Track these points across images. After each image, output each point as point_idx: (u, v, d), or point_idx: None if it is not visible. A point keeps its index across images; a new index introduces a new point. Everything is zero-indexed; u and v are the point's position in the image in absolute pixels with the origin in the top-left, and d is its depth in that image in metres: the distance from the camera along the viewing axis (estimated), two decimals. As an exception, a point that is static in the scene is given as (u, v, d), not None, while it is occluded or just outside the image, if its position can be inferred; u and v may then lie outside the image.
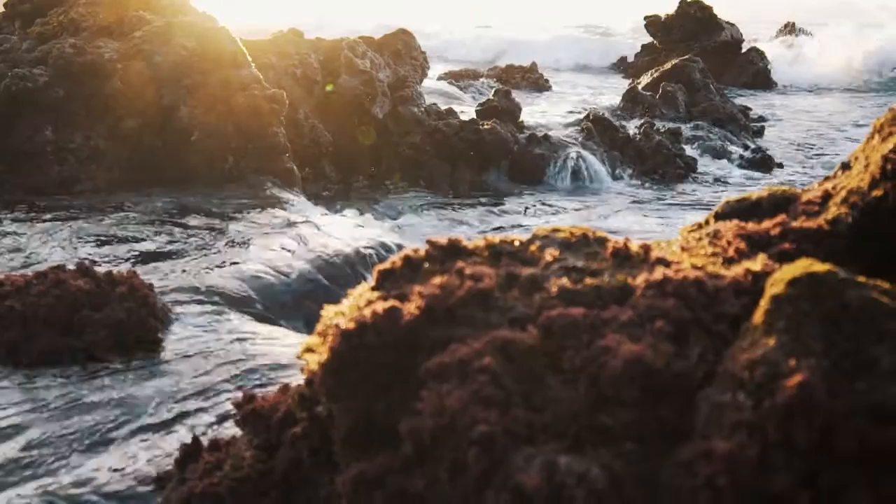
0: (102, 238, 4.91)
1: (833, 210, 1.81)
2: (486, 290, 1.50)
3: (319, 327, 1.62)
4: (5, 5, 8.72)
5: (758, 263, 1.58)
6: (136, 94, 6.80)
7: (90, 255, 4.60)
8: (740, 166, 12.20)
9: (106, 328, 3.01)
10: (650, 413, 1.32)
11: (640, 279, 1.53)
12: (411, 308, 1.49)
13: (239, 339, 3.26)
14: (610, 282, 1.54)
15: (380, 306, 1.52)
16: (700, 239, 1.84)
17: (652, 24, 24.06)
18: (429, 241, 1.68)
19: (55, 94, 6.55)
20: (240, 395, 2.05)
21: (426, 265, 1.64)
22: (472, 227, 8.71)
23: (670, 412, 1.33)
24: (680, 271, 1.54)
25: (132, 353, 3.03)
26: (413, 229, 8.18)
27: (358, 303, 1.62)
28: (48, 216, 5.44)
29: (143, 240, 4.90)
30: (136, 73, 6.84)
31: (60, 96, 6.56)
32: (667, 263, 1.60)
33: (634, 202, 10.16)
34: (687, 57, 15.67)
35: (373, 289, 1.67)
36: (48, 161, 6.29)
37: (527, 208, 9.63)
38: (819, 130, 15.61)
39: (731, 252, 1.72)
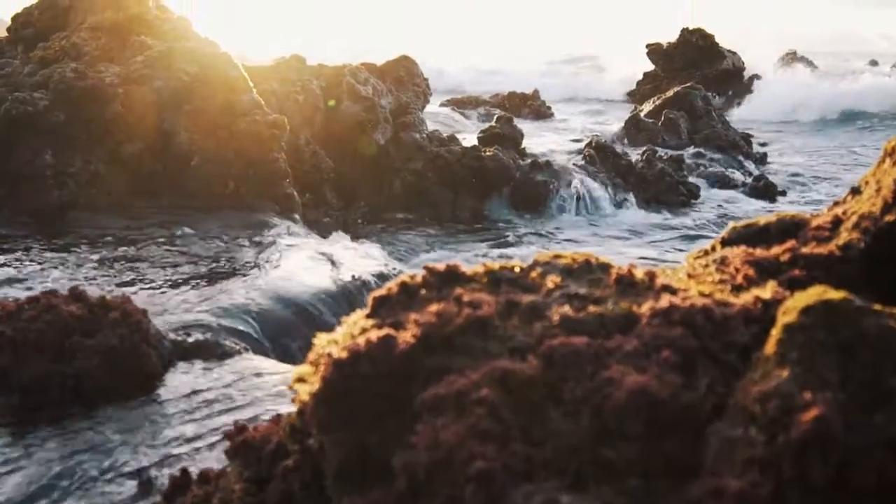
0: (99, 263, 4.86)
1: (844, 235, 1.75)
2: (484, 318, 1.44)
3: (311, 356, 1.56)
4: (8, 30, 8.74)
5: (768, 291, 1.52)
6: (136, 118, 6.79)
7: (87, 279, 4.55)
8: (744, 193, 12.18)
9: (98, 354, 2.95)
10: (656, 447, 1.26)
11: (645, 307, 1.47)
12: (407, 336, 1.43)
13: (233, 370, 3.20)
14: (614, 310, 1.48)
15: (374, 334, 1.46)
16: (707, 266, 1.78)
17: (654, 51, 24.17)
18: (426, 268, 1.63)
19: (55, 118, 6.53)
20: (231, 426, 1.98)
21: (423, 292, 1.58)
22: (472, 253, 8.66)
23: (677, 447, 1.27)
24: (687, 299, 1.48)
25: (124, 382, 2.96)
26: (413, 256, 8.13)
27: (352, 331, 1.56)
28: (46, 240, 5.39)
29: (141, 265, 4.84)
30: (137, 97, 6.83)
31: (61, 120, 6.54)
32: (673, 291, 1.54)
33: (637, 229, 10.11)
34: (689, 84, 15.69)
35: (367, 316, 1.60)
36: (47, 185, 6.26)
37: (528, 235, 9.58)
38: (820, 157, 15.61)
39: (739, 279, 1.66)
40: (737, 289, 1.63)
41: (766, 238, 1.91)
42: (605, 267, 1.70)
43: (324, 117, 9.86)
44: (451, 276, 1.60)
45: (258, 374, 3.20)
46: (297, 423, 1.70)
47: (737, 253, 1.79)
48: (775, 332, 1.29)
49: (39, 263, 4.84)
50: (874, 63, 29.62)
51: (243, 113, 7.05)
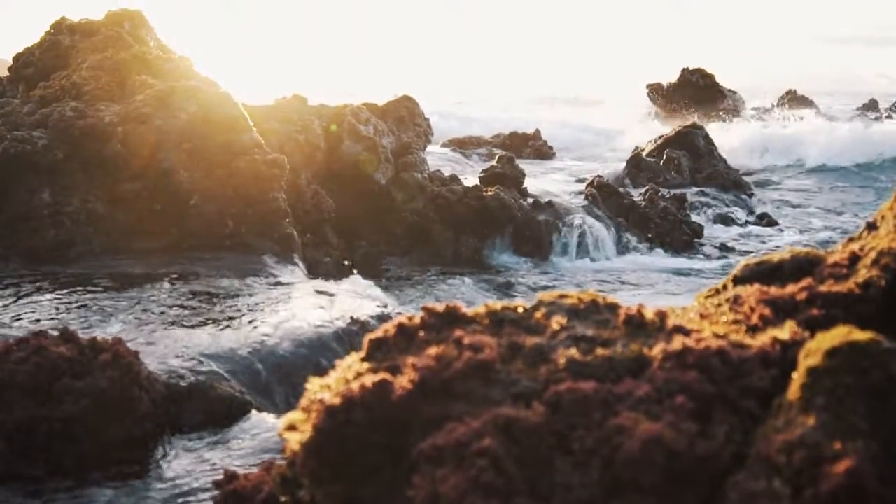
0: (94, 304, 4.77)
1: (863, 273, 1.67)
2: (486, 361, 1.36)
3: (303, 402, 1.47)
4: (10, 69, 8.74)
5: (786, 331, 1.43)
6: (135, 157, 6.74)
7: (81, 320, 4.46)
8: (747, 232, 12.12)
9: (87, 397, 2.86)
10: (672, 501, 1.17)
11: (656, 349, 1.39)
12: (404, 382, 1.35)
13: (227, 415, 3.10)
14: (623, 352, 1.40)
15: (369, 379, 1.38)
16: (719, 305, 1.70)
17: (655, 90, 24.27)
18: (424, 308, 1.55)
19: (54, 156, 6.49)
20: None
21: (421, 334, 1.50)
22: (473, 293, 8.57)
23: (695, 500, 1.18)
24: (701, 340, 1.40)
25: (114, 426, 2.87)
26: (412, 296, 8.04)
27: (346, 375, 1.47)
28: (41, 280, 5.32)
29: (136, 307, 4.75)
30: (137, 136, 6.79)
31: (59, 159, 6.50)
32: (686, 332, 1.46)
33: (640, 268, 10.02)
34: (691, 124, 15.70)
35: (363, 359, 1.52)
36: (44, 224, 6.19)
37: (530, 274, 9.50)
38: (818, 196, 15.60)
39: (754, 319, 1.58)
40: (752, 329, 1.55)
41: (779, 276, 1.83)
42: (613, 307, 1.62)
43: (325, 157, 9.82)
44: (451, 318, 1.52)
45: (248, 420, 3.10)
46: (287, 473, 1.61)
47: (750, 292, 1.71)
48: (798, 376, 1.21)
49: (33, 304, 4.76)
50: (874, 102, 29.68)
51: (243, 152, 7.00)
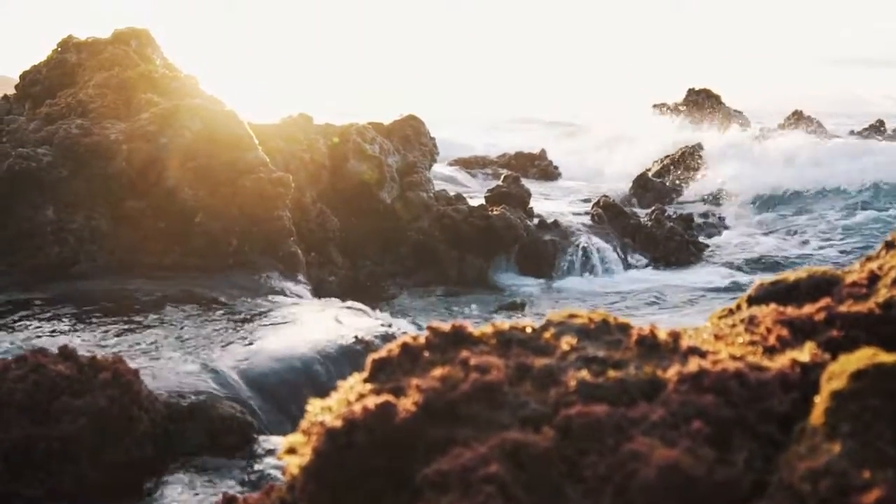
0: (96, 322, 4.72)
1: (883, 292, 1.62)
2: (493, 383, 1.31)
3: (303, 424, 1.42)
4: (16, 87, 8.75)
5: (805, 353, 1.38)
6: (140, 175, 6.72)
7: (82, 338, 4.41)
8: (754, 249, 12.07)
9: (85, 416, 2.80)
10: (689, 532, 1.11)
11: (671, 371, 1.33)
12: (408, 404, 1.29)
13: (228, 435, 3.04)
14: (637, 374, 1.34)
15: (371, 401, 1.32)
16: (734, 326, 1.65)
17: (660, 111, 24.24)
18: (430, 328, 1.49)
19: (58, 174, 6.46)
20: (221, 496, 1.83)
21: (426, 354, 1.44)
22: (479, 312, 8.51)
23: (713, 531, 1.12)
24: (717, 362, 1.34)
25: (110, 447, 2.81)
26: (417, 316, 7.98)
27: (348, 396, 1.42)
28: (43, 298, 5.27)
29: (139, 325, 4.71)
30: (142, 154, 6.77)
31: (63, 176, 6.48)
32: (701, 353, 1.40)
33: (649, 288, 9.96)
34: (696, 144, 15.69)
35: (365, 380, 1.47)
36: (47, 241, 6.16)
37: (536, 294, 9.43)
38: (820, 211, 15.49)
39: (771, 340, 1.52)
40: (769, 351, 1.49)
41: (796, 295, 1.77)
42: (625, 327, 1.57)
43: (330, 175, 9.80)
44: (457, 337, 1.46)
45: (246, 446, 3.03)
46: (287, 497, 1.55)
47: (766, 312, 1.65)
48: (821, 400, 1.15)
49: (35, 321, 4.71)
50: (880, 123, 29.60)
51: (248, 170, 6.98)
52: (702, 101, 23.31)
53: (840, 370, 1.15)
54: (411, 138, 11.45)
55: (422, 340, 1.49)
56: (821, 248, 12.42)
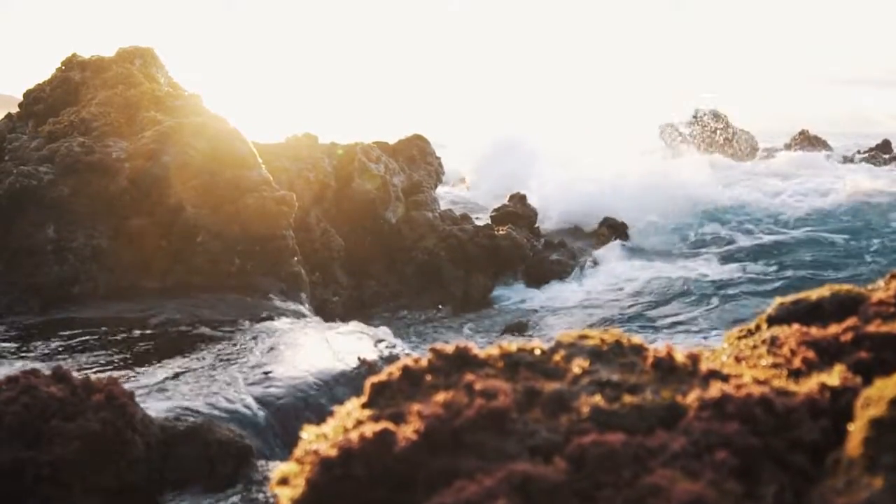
0: (95, 342, 4.64)
1: (914, 313, 1.52)
2: (500, 409, 1.22)
3: (297, 452, 1.33)
4: (20, 105, 8.71)
5: (835, 377, 1.29)
6: (142, 193, 6.65)
7: (80, 359, 4.32)
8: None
9: (77, 440, 2.71)
10: (714, 573, 1.02)
11: (691, 397, 1.24)
12: (408, 432, 1.20)
13: (225, 460, 2.95)
14: (654, 400, 1.25)
15: (369, 429, 1.23)
16: (755, 347, 1.55)
17: (666, 130, 24.22)
18: (432, 349, 1.40)
19: (59, 192, 6.40)
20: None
21: (428, 378, 1.35)
22: (485, 332, 8.40)
23: (740, 573, 1.03)
24: (741, 387, 1.25)
25: (103, 472, 2.71)
26: (422, 336, 7.88)
27: (345, 423, 1.33)
28: (42, 317, 5.19)
29: (138, 346, 4.62)
30: (144, 172, 6.70)
31: (65, 194, 6.41)
32: (723, 377, 1.31)
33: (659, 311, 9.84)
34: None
35: (363, 406, 1.38)
36: (47, 259, 6.08)
37: (543, 315, 9.33)
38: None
39: (796, 363, 1.43)
40: (795, 374, 1.40)
41: (819, 315, 1.68)
42: (639, 349, 1.48)
43: (335, 195, 9.74)
44: (461, 360, 1.38)
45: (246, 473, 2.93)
46: (279, 530, 1.45)
47: (789, 333, 1.56)
48: (858, 429, 1.06)
49: (33, 341, 4.62)
50: (886, 143, 29.50)
51: (251, 189, 6.91)
52: (708, 122, 23.27)
53: (878, 395, 1.06)
54: (417, 158, 11.39)
55: (424, 363, 1.40)
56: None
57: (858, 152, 28.68)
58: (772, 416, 1.19)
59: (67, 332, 4.80)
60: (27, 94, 8.55)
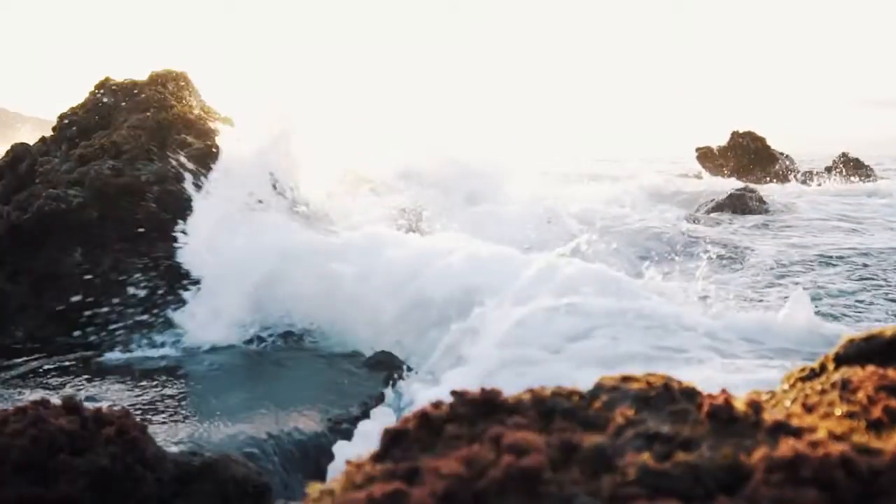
0: (114, 371, 4.51)
1: None
2: (532, 469, 1.04)
3: (300, 513, 1.17)
4: (54, 129, 8.71)
5: (926, 432, 1.09)
6: (171, 217, 6.56)
7: (98, 389, 4.20)
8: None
9: (85, 476, 2.57)
10: None
11: (757, 455, 1.06)
12: (423, 494, 1.03)
13: (242, 499, 2.78)
14: (713, 458, 1.07)
15: (379, 488, 1.06)
16: (824, 392, 1.36)
17: (704, 155, 23.94)
18: (455, 394, 1.24)
19: (88, 215, 6.33)
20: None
21: (450, 427, 1.18)
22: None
23: None
24: (816, 444, 1.07)
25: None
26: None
27: (353, 479, 1.16)
28: (64, 343, 5.09)
29: (159, 376, 4.48)
30: (174, 195, 6.62)
31: (93, 218, 6.34)
32: (793, 431, 1.13)
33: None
34: (744, 187, 15.35)
35: (376, 458, 1.21)
36: (73, 284, 6.00)
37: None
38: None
39: (876, 412, 1.24)
40: (875, 426, 1.21)
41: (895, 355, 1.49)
42: (692, 394, 1.30)
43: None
44: (488, 407, 1.20)
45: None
46: None
47: (863, 376, 1.37)
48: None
49: (51, 369, 4.51)
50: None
51: (281, 212, 6.80)
52: (746, 145, 22.95)
53: None
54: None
55: (445, 409, 1.23)
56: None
57: None
58: (855, 482, 1.01)
59: (84, 357, 4.69)
60: (61, 118, 8.55)
